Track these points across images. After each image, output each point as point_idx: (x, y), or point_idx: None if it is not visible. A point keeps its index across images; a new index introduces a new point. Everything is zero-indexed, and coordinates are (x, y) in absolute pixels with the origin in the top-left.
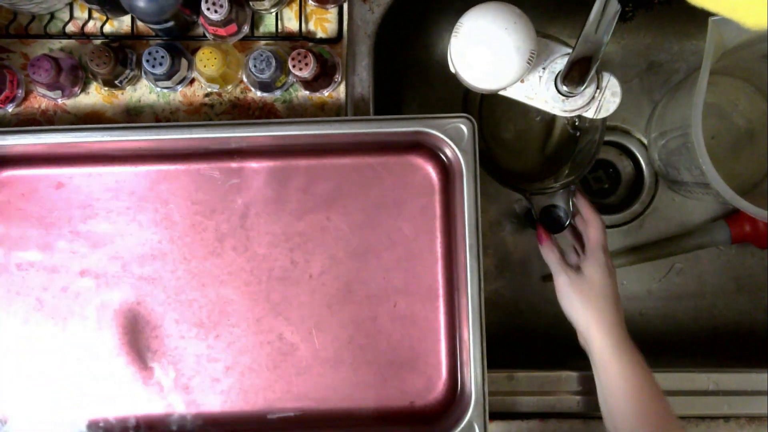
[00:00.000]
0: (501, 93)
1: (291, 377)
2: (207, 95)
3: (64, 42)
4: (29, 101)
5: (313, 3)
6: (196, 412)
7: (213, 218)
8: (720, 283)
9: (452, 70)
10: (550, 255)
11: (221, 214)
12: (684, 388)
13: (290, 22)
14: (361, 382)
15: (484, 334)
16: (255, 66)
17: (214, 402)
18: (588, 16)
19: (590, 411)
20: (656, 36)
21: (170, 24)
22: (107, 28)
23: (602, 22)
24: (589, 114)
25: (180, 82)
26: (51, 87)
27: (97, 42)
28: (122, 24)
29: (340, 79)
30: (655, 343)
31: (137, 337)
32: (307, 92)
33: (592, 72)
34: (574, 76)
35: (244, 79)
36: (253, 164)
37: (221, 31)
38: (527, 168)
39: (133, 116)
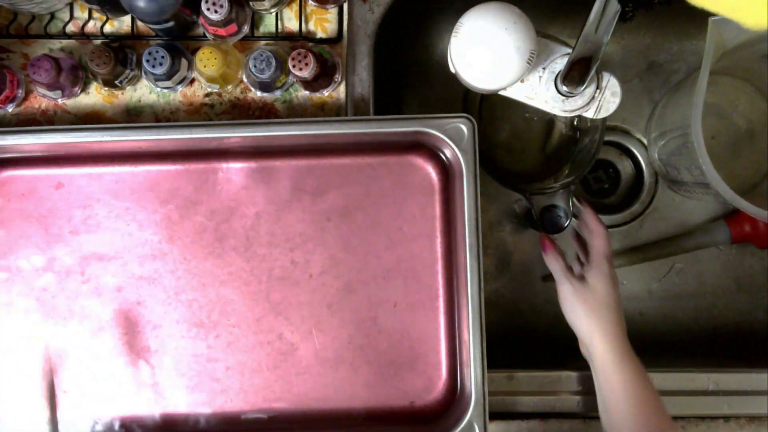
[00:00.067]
0: (501, 93)
1: (291, 377)
2: (207, 95)
3: (64, 42)
4: (29, 101)
5: (313, 3)
6: (197, 412)
7: (213, 218)
8: (720, 283)
9: (452, 70)
10: (554, 263)
11: (221, 214)
12: (684, 388)
13: (290, 22)
14: (361, 382)
15: (484, 334)
16: (255, 66)
17: (214, 402)
18: (588, 16)
19: (590, 411)
20: (656, 36)
21: (170, 24)
22: (107, 28)
23: (602, 22)
24: (589, 114)
25: (180, 82)
26: (51, 87)
27: (97, 42)
28: (122, 24)
29: (340, 79)
30: (655, 343)
31: (137, 337)
32: (307, 92)
33: (592, 72)
34: (574, 76)
35: (244, 79)
36: (253, 164)
37: (221, 31)
38: (527, 168)
39: (133, 116)
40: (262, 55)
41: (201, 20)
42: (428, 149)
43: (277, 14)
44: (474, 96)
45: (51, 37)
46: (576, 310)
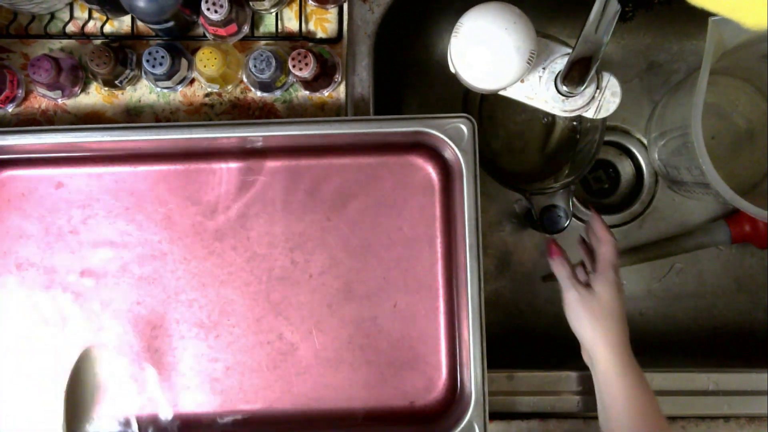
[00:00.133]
0: (501, 93)
1: (291, 377)
2: (207, 95)
3: (64, 42)
4: (29, 101)
5: (313, 3)
6: (196, 411)
7: (213, 218)
8: (720, 283)
9: (452, 70)
10: (560, 269)
11: (221, 214)
12: (684, 388)
13: (290, 22)
14: (361, 382)
15: (484, 334)
16: (255, 66)
17: (214, 402)
18: (588, 16)
19: (590, 411)
20: (656, 36)
21: (170, 24)
22: (107, 28)
23: (602, 22)
24: (589, 114)
25: (180, 82)
26: (51, 87)
27: (97, 42)
28: (122, 24)
29: (340, 79)
30: (655, 343)
31: (137, 338)
32: (307, 92)
33: (592, 72)
34: (574, 76)
35: (244, 79)
36: (253, 164)
37: (221, 31)
38: (527, 168)
39: (133, 116)
40: (262, 55)
41: (201, 20)
42: (428, 149)
43: (277, 14)
44: (474, 96)
45: (51, 37)
46: (581, 317)
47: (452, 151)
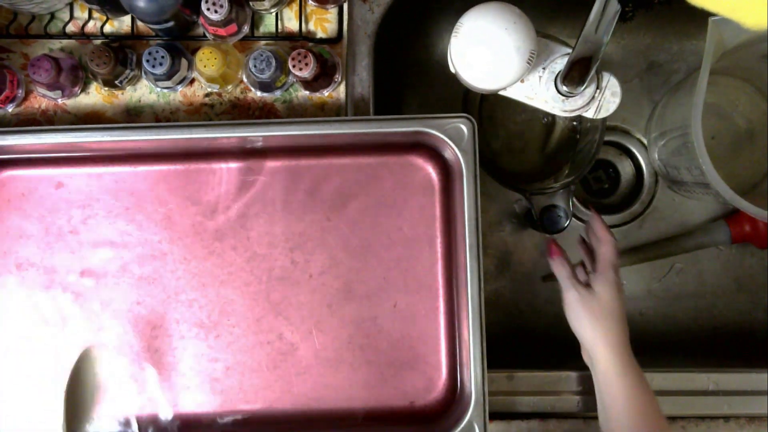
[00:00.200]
0: (501, 93)
1: (291, 377)
2: (207, 95)
3: (64, 42)
4: (29, 101)
5: (313, 3)
6: (196, 411)
7: (213, 218)
8: (720, 283)
9: (452, 70)
10: (561, 270)
11: (221, 214)
12: (684, 388)
13: (290, 22)
14: (361, 382)
15: (484, 334)
16: (255, 66)
17: (214, 402)
18: (588, 16)
19: (590, 411)
20: (656, 36)
21: (170, 24)
22: (107, 28)
23: (602, 22)
24: (589, 114)
25: (180, 82)
26: (51, 87)
27: (97, 42)
28: (122, 24)
29: (340, 79)
30: (655, 343)
31: (137, 338)
32: (307, 92)
33: (592, 72)
34: (574, 76)
35: (244, 79)
36: (253, 164)
37: (221, 31)
38: (527, 168)
39: (133, 116)
40: (262, 55)
41: (201, 20)
42: (428, 149)
43: (277, 14)
44: (474, 96)
45: (51, 37)
46: (581, 317)
47: (452, 151)
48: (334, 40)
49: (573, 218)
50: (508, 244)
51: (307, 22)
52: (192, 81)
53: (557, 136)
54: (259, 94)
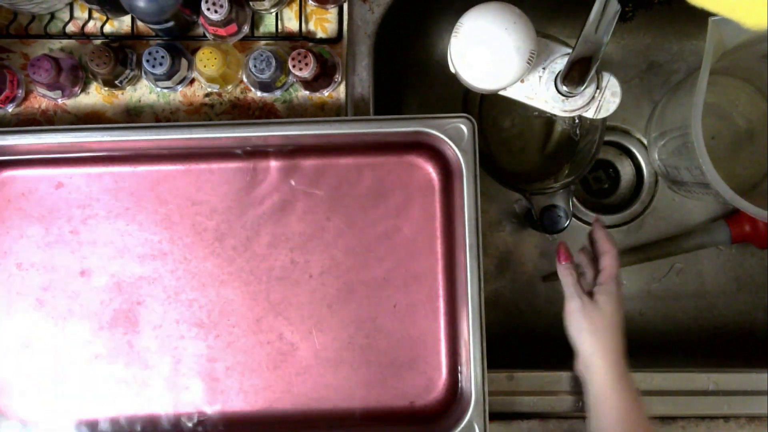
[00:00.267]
0: (501, 93)
1: (291, 377)
2: (207, 95)
3: (64, 42)
4: (29, 101)
5: (313, 3)
6: (196, 411)
7: (213, 218)
8: (720, 283)
9: (452, 70)
10: (567, 276)
11: (221, 214)
12: (684, 388)
13: (290, 22)
14: (361, 382)
15: (484, 334)
16: (255, 66)
17: (214, 402)
18: (588, 16)
19: None
20: (656, 36)
21: (170, 24)
22: (107, 28)
23: (602, 22)
24: (589, 114)
25: (180, 82)
26: (51, 87)
27: (97, 42)
28: (122, 24)
29: (340, 79)
30: (655, 343)
31: (137, 337)
32: (307, 92)
33: (592, 72)
34: (574, 76)
35: (244, 79)
36: (254, 164)
37: (221, 31)
38: (527, 168)
39: (133, 116)
40: (262, 55)
41: (201, 20)
42: (428, 149)
43: (277, 14)
44: (474, 96)
45: (51, 37)
46: (581, 327)
47: (452, 151)
48: (334, 40)
49: (573, 218)
50: (508, 244)
51: (307, 22)
52: (192, 81)
53: (557, 136)
54: (259, 94)
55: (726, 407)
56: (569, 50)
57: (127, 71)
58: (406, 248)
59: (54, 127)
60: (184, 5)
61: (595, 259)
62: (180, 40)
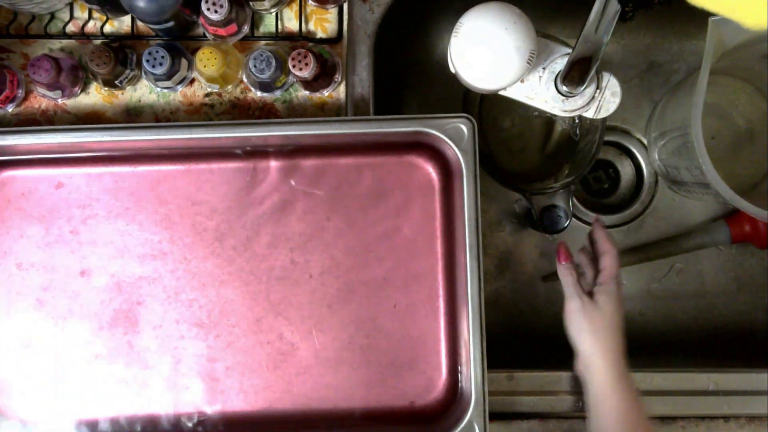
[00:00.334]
0: (501, 93)
1: (291, 377)
2: (207, 95)
3: (64, 42)
4: (29, 101)
5: (313, 3)
6: (196, 411)
7: (213, 218)
8: (720, 283)
9: (452, 70)
10: (567, 276)
11: (221, 214)
12: (684, 388)
13: (290, 22)
14: (361, 382)
15: (484, 334)
16: (255, 66)
17: (214, 402)
18: (588, 16)
19: None
20: (656, 36)
21: (170, 24)
22: (107, 28)
23: (602, 22)
24: (589, 114)
25: (180, 82)
26: (51, 87)
27: (97, 42)
28: (122, 24)
29: (340, 79)
30: (655, 343)
31: (137, 337)
32: (307, 92)
33: (592, 72)
34: (574, 76)
35: (244, 79)
36: (254, 164)
37: (221, 31)
38: (527, 168)
39: (133, 116)
40: (262, 55)
41: (201, 20)
42: (428, 149)
43: (277, 14)
44: (474, 96)
45: (51, 37)
46: (581, 327)
47: (452, 151)
48: (334, 40)
49: (573, 218)
50: (508, 244)
51: (307, 22)
52: (192, 81)
53: (557, 136)
54: (259, 94)
55: (726, 407)
56: (569, 50)
57: (127, 71)
58: (406, 248)
59: (54, 127)
60: (184, 5)
61: (594, 259)
62: (180, 40)
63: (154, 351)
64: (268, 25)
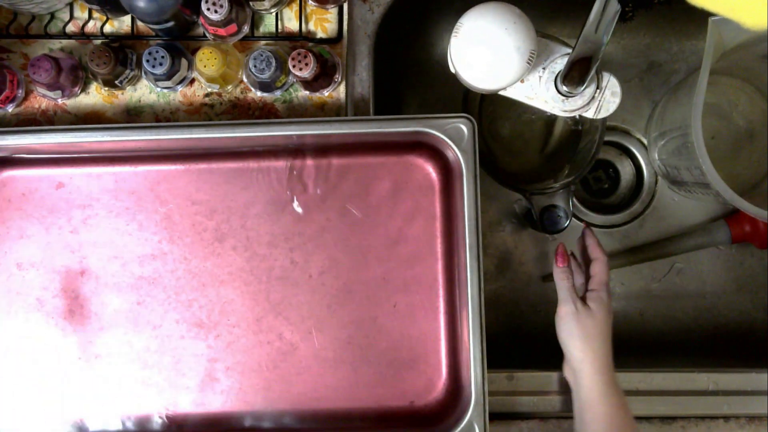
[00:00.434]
0: (501, 93)
1: (291, 377)
2: (207, 95)
3: (64, 42)
4: (29, 101)
5: (313, 3)
6: (196, 411)
7: (213, 218)
8: (720, 283)
9: (452, 70)
10: (563, 280)
11: (221, 214)
12: (684, 388)
13: (290, 22)
14: (361, 382)
15: (484, 334)
16: (255, 66)
17: (214, 402)
18: (588, 16)
19: None
20: (656, 36)
21: (170, 24)
22: (107, 28)
23: (602, 22)
24: (589, 114)
25: (180, 82)
26: (51, 87)
27: (97, 42)
28: (122, 24)
29: (340, 79)
30: (655, 343)
31: (137, 337)
32: (307, 92)
33: (592, 72)
34: (574, 76)
35: (244, 79)
36: (253, 164)
37: (221, 31)
38: (527, 168)
39: (133, 116)
40: (262, 55)
41: (201, 20)
42: (428, 149)
43: (277, 14)
44: (474, 96)
45: (51, 37)
46: (573, 333)
47: (452, 151)
48: (334, 40)
49: (573, 218)
50: (508, 244)
51: (307, 22)
52: (192, 81)
53: (557, 136)
54: (259, 94)
55: (726, 407)
56: (569, 50)
57: (127, 71)
58: (406, 248)
59: (54, 127)
60: (184, 5)
61: (583, 264)
62: (180, 40)
63: (153, 351)
64: (268, 25)
